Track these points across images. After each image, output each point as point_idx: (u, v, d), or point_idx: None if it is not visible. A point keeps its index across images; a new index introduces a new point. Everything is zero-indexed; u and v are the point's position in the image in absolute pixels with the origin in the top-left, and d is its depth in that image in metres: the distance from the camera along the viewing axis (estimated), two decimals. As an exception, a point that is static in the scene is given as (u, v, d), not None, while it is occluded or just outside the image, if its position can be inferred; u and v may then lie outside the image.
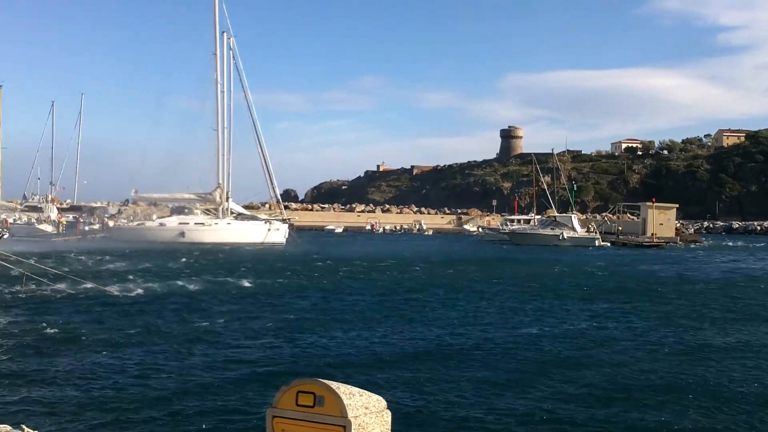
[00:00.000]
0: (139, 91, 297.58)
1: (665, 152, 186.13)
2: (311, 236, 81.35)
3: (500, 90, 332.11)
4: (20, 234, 58.30)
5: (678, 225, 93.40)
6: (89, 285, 25.56)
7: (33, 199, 78.82)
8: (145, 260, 40.84)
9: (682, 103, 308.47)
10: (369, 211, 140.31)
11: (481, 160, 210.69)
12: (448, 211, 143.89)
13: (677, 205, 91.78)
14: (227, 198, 66.41)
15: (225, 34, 66.17)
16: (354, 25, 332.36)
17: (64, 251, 46.83)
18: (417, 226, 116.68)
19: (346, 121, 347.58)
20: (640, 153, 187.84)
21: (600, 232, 76.87)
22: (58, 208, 78.38)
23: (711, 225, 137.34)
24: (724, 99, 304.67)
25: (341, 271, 36.72)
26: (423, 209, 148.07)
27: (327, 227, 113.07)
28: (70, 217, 76.11)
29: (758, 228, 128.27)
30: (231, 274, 33.37)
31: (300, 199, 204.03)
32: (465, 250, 62.49)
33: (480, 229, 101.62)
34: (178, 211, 68.74)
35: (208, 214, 66.05)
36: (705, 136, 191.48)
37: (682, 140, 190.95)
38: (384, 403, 4.02)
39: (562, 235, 72.28)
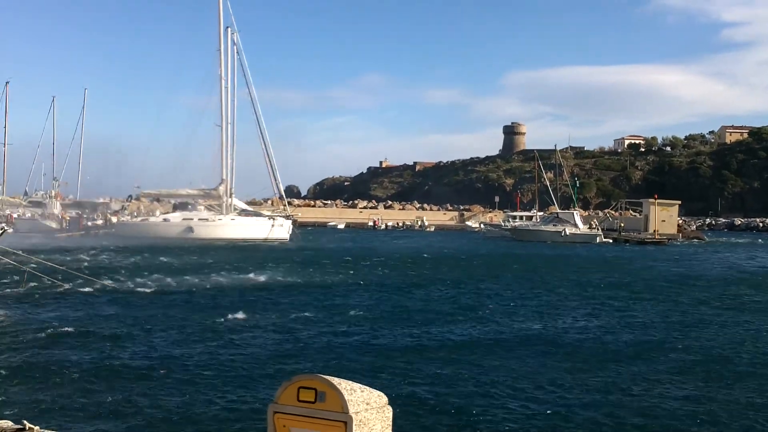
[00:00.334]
0: (144, 88, 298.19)
1: (668, 149, 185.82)
2: (315, 233, 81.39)
3: (504, 87, 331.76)
4: (24, 229, 58.35)
5: (680, 222, 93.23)
6: (96, 281, 25.59)
7: (36, 194, 78.85)
8: (179, 256, 41.13)
9: (685, 99, 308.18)
10: (371, 208, 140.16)
11: (483, 156, 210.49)
12: (450, 208, 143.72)
13: (680, 202, 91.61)
14: (231, 194, 66.41)
15: (229, 29, 66.05)
16: (358, 22, 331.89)
17: (69, 247, 46.84)
18: (419, 223, 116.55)
19: (349, 118, 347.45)
20: (643, 149, 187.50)
21: (602, 229, 76.77)
22: (61, 204, 78.41)
23: (713, 222, 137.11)
24: (727, 95, 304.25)
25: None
26: (425, 206, 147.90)
27: (329, 223, 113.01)
28: (73, 213, 76.13)
29: (761, 225, 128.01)
30: (263, 268, 33.43)
31: (302, 195, 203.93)
32: (485, 247, 62.48)
33: (482, 226, 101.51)
34: (182, 207, 68.70)
35: (211, 210, 66.03)
36: (709, 132, 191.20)
37: (685, 137, 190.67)
38: (385, 399, 4.05)
39: (564, 232, 72.20)
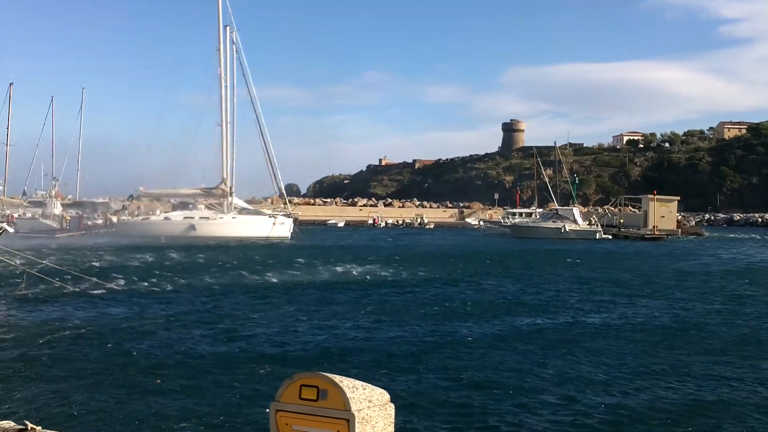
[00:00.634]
0: (144, 87, 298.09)
1: (667, 145, 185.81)
2: (315, 231, 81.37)
3: (504, 84, 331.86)
4: (25, 228, 58.35)
5: (679, 217, 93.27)
6: (96, 281, 25.56)
7: (37, 194, 78.82)
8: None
9: (684, 95, 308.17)
10: (371, 205, 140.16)
11: (483, 153, 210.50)
12: (450, 205, 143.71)
13: (679, 198, 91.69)
14: (231, 193, 66.45)
15: (228, 28, 66.04)
16: (358, 19, 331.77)
17: (70, 247, 46.83)
18: (418, 220, 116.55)
19: (349, 116, 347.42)
20: (642, 146, 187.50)
21: (601, 225, 76.82)
22: (62, 204, 78.39)
23: (712, 217, 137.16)
24: (726, 92, 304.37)
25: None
26: (425, 203, 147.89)
27: (329, 221, 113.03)
28: (73, 212, 76.10)
29: (759, 220, 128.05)
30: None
31: (302, 193, 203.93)
32: (501, 244, 62.51)
33: (481, 223, 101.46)
34: (182, 206, 68.66)
35: (212, 209, 66.06)
36: (709, 129, 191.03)
37: (684, 133, 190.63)
38: (387, 396, 4.06)
39: (564, 228, 72.20)
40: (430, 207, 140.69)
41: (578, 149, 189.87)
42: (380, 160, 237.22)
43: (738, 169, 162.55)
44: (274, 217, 65.21)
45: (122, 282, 26.75)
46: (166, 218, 65.59)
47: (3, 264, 26.26)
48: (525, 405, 11.05)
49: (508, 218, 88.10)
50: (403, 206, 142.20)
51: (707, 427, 10.25)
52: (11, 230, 38.75)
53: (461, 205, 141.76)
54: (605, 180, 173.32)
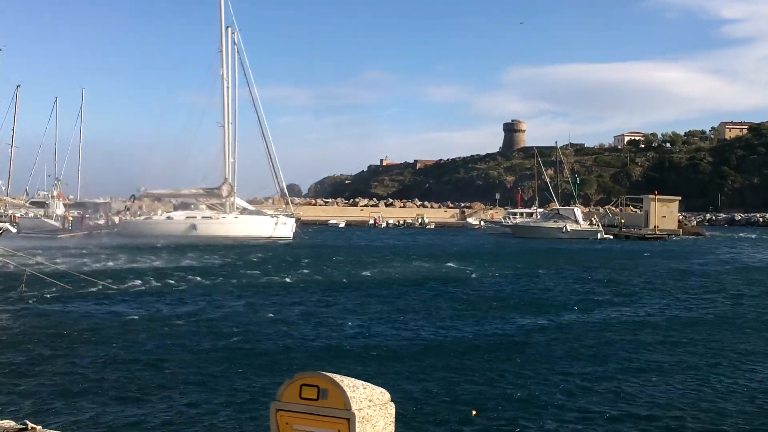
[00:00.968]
0: (144, 87, 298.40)
1: (668, 145, 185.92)
2: (317, 231, 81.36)
3: (505, 83, 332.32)
4: (27, 227, 58.41)
5: (680, 217, 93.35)
6: (97, 282, 25.55)
7: (39, 195, 78.89)
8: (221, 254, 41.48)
9: (685, 96, 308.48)
10: (372, 206, 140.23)
11: (484, 154, 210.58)
12: (451, 205, 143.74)
13: (680, 198, 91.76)
14: (233, 193, 66.48)
15: (230, 29, 66.08)
16: (359, 19, 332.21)
17: (72, 247, 46.82)
18: (419, 220, 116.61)
19: (350, 116, 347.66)
20: (643, 146, 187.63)
21: (602, 225, 76.82)
22: (64, 204, 78.42)
23: (713, 217, 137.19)
24: (727, 92, 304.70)
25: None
26: (426, 203, 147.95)
27: (330, 222, 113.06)
28: (75, 213, 76.15)
29: (760, 220, 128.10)
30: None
31: (303, 193, 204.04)
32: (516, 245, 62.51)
33: (482, 223, 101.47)
34: (183, 206, 68.68)
35: (213, 209, 66.08)
36: (711, 129, 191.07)
37: (685, 133, 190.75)
38: (388, 396, 4.05)
39: (565, 228, 72.19)
40: (431, 207, 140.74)
41: (579, 149, 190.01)
42: (381, 161, 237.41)
43: (739, 169, 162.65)
44: (277, 217, 65.27)
45: (125, 282, 26.74)
46: (168, 218, 65.63)
47: (4, 264, 26.27)
48: (537, 409, 11.04)
49: (509, 218, 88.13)
50: (404, 206, 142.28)
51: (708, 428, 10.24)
52: (14, 230, 38.79)
53: (462, 205, 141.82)
54: (606, 180, 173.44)
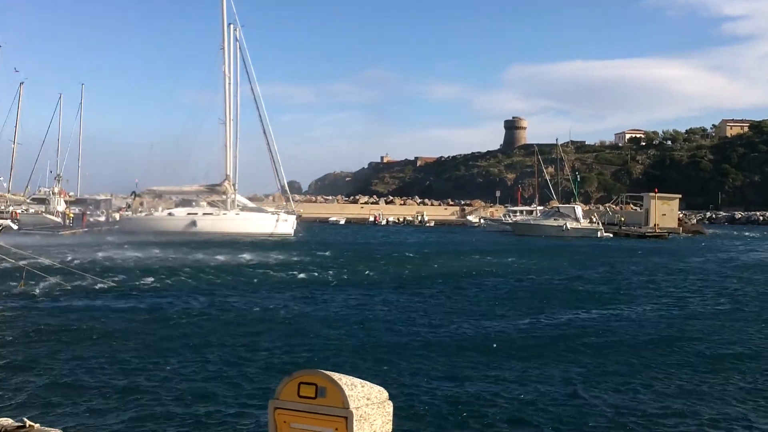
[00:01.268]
0: (147, 85, 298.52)
1: (668, 143, 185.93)
2: (317, 228, 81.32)
3: (506, 81, 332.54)
4: (28, 223, 58.46)
5: (681, 215, 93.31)
6: (97, 279, 25.54)
7: (40, 191, 79.04)
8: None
9: (686, 93, 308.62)
10: (373, 203, 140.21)
11: (485, 151, 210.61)
12: (451, 203, 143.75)
13: (680, 196, 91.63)
14: (234, 190, 66.56)
15: (232, 26, 66.05)
16: (360, 16, 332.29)
17: (72, 244, 46.78)
18: (419, 218, 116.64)
19: (351, 113, 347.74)
20: (644, 143, 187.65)
21: (603, 223, 76.75)
22: (65, 201, 78.55)
23: (714, 215, 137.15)
24: (728, 89, 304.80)
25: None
26: (426, 200, 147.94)
27: (330, 219, 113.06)
28: (76, 209, 76.27)
29: (761, 218, 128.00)
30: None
31: (304, 190, 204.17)
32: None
33: (482, 221, 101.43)
34: (184, 203, 68.74)
35: (214, 206, 66.16)
36: (712, 127, 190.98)
37: (686, 130, 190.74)
38: (386, 394, 4.06)
39: (565, 226, 72.14)
40: (432, 204, 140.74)
41: (580, 147, 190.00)
42: (382, 158, 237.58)
43: (740, 167, 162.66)
44: (278, 214, 65.36)
45: (125, 278, 26.73)
46: (169, 214, 65.67)
47: (3, 261, 26.25)
48: (532, 403, 11.04)
49: (509, 216, 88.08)
50: (404, 204, 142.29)
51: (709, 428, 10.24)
52: (15, 227, 38.81)
53: (463, 202, 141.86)
54: (607, 178, 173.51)
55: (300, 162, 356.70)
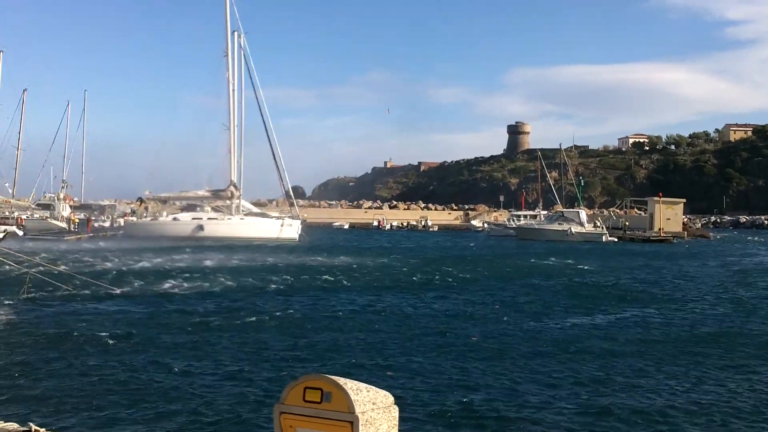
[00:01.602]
0: (150, 90, 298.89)
1: (672, 147, 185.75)
2: (322, 233, 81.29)
3: (508, 85, 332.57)
4: (33, 228, 58.50)
5: (685, 220, 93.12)
6: (101, 285, 25.53)
7: (45, 197, 79.27)
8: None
9: (689, 97, 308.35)
10: (376, 208, 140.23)
11: (488, 156, 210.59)
12: (455, 207, 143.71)
13: (684, 200, 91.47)
14: (239, 195, 66.59)
15: (236, 33, 66.15)
16: (362, 20, 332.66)
17: (77, 249, 46.82)
18: (423, 223, 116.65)
19: (354, 117, 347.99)
20: (648, 148, 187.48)
21: (607, 227, 76.59)
22: (70, 207, 78.71)
23: (718, 220, 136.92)
24: (731, 93, 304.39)
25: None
26: (430, 205, 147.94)
27: (334, 224, 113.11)
28: (81, 215, 76.46)
29: (765, 222, 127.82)
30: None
31: (307, 195, 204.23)
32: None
33: (485, 225, 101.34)
34: (189, 209, 68.78)
35: (219, 212, 66.16)
36: (715, 131, 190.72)
37: (689, 135, 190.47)
38: (391, 399, 4.05)
39: (570, 231, 71.95)
40: (435, 209, 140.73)
41: (583, 151, 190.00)
42: (385, 163, 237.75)
43: (744, 171, 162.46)
44: (282, 219, 65.40)
45: (131, 284, 26.72)
46: (174, 219, 65.68)
47: (7, 266, 26.26)
48: (545, 413, 11.02)
49: (513, 220, 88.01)
50: (408, 208, 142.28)
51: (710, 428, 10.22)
52: (20, 233, 38.86)
53: (466, 207, 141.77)
54: (611, 182, 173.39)
55: (303, 166, 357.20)
